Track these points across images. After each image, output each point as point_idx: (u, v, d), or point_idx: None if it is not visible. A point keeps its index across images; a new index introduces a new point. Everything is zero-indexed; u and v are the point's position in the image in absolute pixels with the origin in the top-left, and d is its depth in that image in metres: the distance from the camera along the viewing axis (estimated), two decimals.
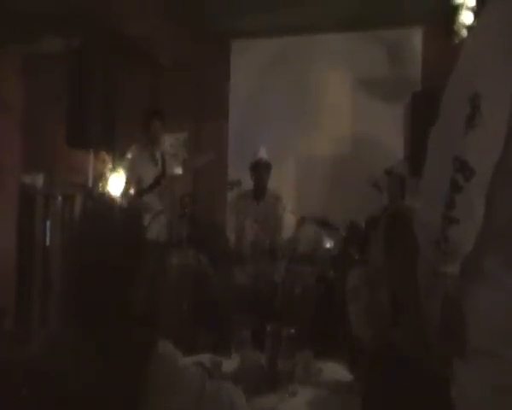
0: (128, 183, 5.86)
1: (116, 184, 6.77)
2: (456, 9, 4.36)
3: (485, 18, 1.50)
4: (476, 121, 1.40)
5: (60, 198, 6.54)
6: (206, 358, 2.68)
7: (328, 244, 5.72)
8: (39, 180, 6.79)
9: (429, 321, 1.60)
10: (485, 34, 1.47)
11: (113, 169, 6.97)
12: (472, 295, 1.50)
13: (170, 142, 7.12)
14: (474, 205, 1.45)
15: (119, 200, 5.13)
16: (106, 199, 4.82)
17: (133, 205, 5.34)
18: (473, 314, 1.49)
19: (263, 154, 5.37)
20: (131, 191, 5.78)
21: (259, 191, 5.39)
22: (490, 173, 1.44)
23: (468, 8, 4.38)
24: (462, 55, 1.50)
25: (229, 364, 2.73)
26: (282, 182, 5.70)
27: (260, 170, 5.36)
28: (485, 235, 1.47)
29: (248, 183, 5.49)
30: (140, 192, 5.68)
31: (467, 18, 4.43)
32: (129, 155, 5.94)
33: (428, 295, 1.60)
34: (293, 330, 2.70)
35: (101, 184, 6.84)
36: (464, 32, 4.35)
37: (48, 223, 6.49)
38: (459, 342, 1.50)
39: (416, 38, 6.58)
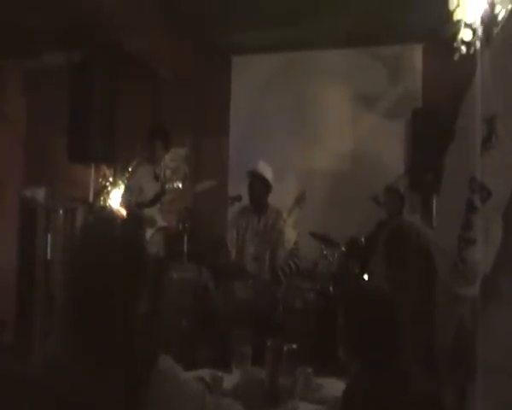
0: (128, 195, 5.88)
1: (117, 198, 6.79)
2: (455, 26, 4.38)
3: (500, 42, 1.51)
4: (493, 143, 1.39)
5: (61, 212, 6.55)
6: (206, 373, 2.67)
7: (328, 259, 5.72)
8: (40, 194, 6.80)
9: (442, 342, 1.60)
10: (501, 57, 1.47)
11: (114, 183, 6.99)
12: (487, 314, 1.50)
13: (170, 156, 7.14)
14: (491, 226, 1.44)
15: (119, 214, 5.14)
16: (107, 213, 4.83)
17: (134, 219, 5.36)
18: (487, 333, 1.49)
19: (259, 168, 5.37)
20: (131, 204, 5.79)
21: (258, 206, 5.39)
22: (507, 195, 1.42)
23: (467, 25, 4.40)
24: (476, 77, 1.50)
25: (230, 379, 2.72)
26: (282, 197, 5.70)
27: (253, 181, 5.36)
28: (501, 255, 1.46)
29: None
30: (140, 206, 5.69)
31: (466, 35, 4.45)
32: (131, 169, 5.97)
33: (445, 317, 1.59)
34: (293, 346, 2.70)
35: (102, 198, 6.86)
36: (463, 49, 4.36)
37: (49, 236, 6.49)
38: (470, 364, 1.50)
39: (416, 55, 6.62)
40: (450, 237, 1.45)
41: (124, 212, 5.66)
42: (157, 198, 5.75)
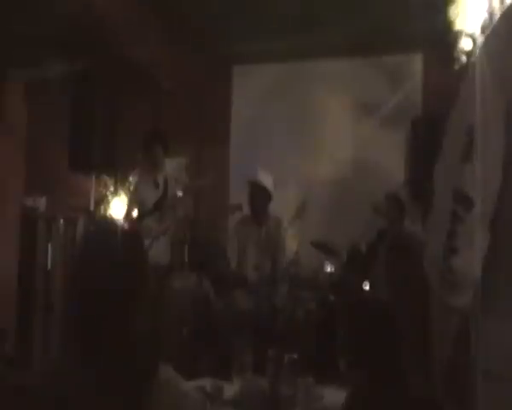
0: (130, 206, 5.88)
1: (118, 207, 6.79)
2: (455, 36, 4.40)
3: (480, 54, 1.53)
4: (473, 153, 1.42)
5: (61, 221, 6.55)
6: (207, 382, 2.67)
7: (329, 269, 5.71)
8: (41, 203, 6.80)
9: (439, 356, 1.59)
10: (480, 68, 1.50)
11: (115, 193, 6.99)
12: (484, 322, 1.50)
13: (171, 166, 7.14)
14: (475, 234, 1.45)
15: (120, 223, 5.14)
16: (107, 223, 4.82)
17: (134, 229, 5.34)
18: (485, 341, 1.48)
19: (260, 177, 5.38)
20: (133, 215, 5.79)
21: (259, 215, 5.39)
22: (490, 203, 1.44)
23: (467, 35, 4.42)
24: (460, 89, 1.52)
25: (231, 389, 2.72)
26: (282, 206, 5.70)
27: (253, 191, 5.36)
28: (494, 264, 1.47)
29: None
30: (141, 216, 5.68)
31: (466, 44, 4.47)
32: (131, 179, 5.96)
33: (440, 332, 1.59)
34: (294, 356, 2.70)
35: (102, 208, 6.85)
36: (464, 59, 4.38)
37: (49, 246, 6.49)
38: (469, 374, 1.50)
39: (416, 64, 6.64)
40: (438, 247, 1.47)
41: (119, 222, 5.64)
42: (158, 205, 5.74)
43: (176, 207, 5.99)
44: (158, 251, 5.56)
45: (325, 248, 5.77)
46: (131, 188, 5.93)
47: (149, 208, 5.73)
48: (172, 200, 5.88)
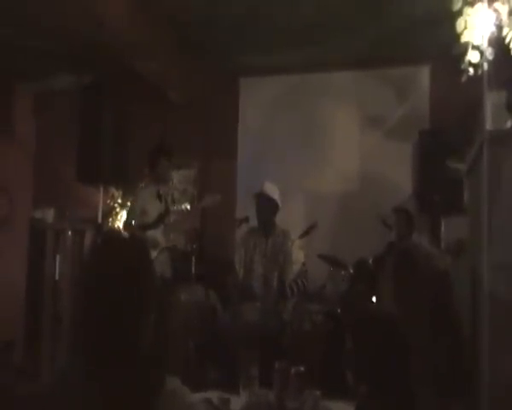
0: (131, 216, 5.88)
1: (123, 219, 6.81)
2: (463, 48, 4.40)
3: None
4: None
5: (69, 233, 6.57)
6: (213, 395, 2.66)
7: (337, 281, 5.69)
8: (49, 215, 6.84)
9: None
10: None
11: (123, 205, 7.02)
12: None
13: (178, 178, 7.16)
14: None
15: (127, 235, 5.15)
16: (115, 235, 4.83)
17: (141, 240, 5.34)
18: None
19: (266, 188, 5.38)
20: (134, 225, 5.78)
21: (266, 227, 5.39)
22: None
23: (474, 47, 4.42)
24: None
25: (237, 401, 2.71)
26: (290, 218, 5.70)
27: (260, 202, 5.37)
28: None
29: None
30: (143, 227, 5.68)
31: (473, 56, 4.47)
32: (136, 191, 5.98)
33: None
34: (301, 368, 2.69)
35: (110, 220, 6.88)
36: (471, 71, 4.39)
37: (57, 257, 6.51)
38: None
39: (423, 77, 6.64)
40: None
41: (126, 234, 5.65)
42: (161, 219, 5.74)
43: (182, 220, 6.00)
44: (164, 263, 5.57)
45: (332, 261, 5.76)
46: (134, 198, 5.95)
47: (153, 220, 5.73)
48: (177, 213, 5.88)
